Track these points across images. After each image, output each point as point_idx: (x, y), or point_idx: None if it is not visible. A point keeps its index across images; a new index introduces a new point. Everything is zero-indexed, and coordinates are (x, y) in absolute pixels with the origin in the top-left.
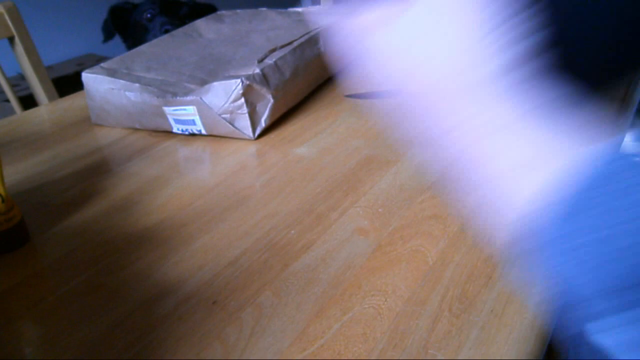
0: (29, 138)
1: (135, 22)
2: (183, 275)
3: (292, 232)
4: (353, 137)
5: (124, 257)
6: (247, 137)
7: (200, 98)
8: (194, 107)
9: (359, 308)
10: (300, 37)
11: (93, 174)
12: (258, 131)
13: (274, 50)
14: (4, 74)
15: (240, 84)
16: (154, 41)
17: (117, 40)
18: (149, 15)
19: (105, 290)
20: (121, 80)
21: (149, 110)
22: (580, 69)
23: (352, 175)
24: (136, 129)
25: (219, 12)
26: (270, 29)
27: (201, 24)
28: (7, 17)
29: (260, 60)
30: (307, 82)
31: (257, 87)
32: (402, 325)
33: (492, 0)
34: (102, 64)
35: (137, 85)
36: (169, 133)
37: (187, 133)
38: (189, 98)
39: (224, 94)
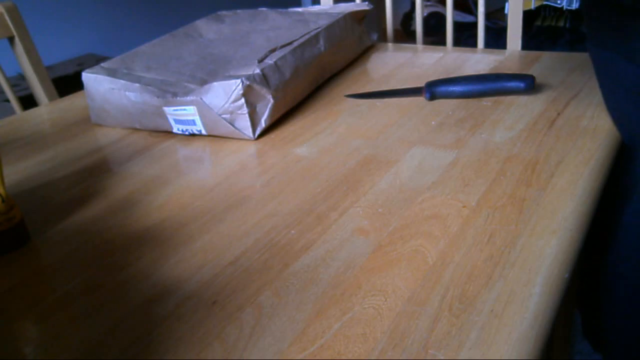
0: (29, 138)
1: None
2: (183, 275)
3: (292, 232)
4: (353, 137)
5: (124, 257)
6: (247, 137)
7: (201, 98)
8: (194, 107)
9: (359, 308)
10: (301, 37)
11: (93, 174)
12: (258, 131)
13: (274, 50)
14: (4, 74)
15: (241, 84)
16: (154, 41)
17: (117, 40)
18: None
19: (105, 290)
20: (121, 80)
21: (149, 110)
22: None
23: (352, 175)
24: (136, 129)
25: (219, 12)
26: (270, 29)
27: (201, 24)
28: (7, 17)
29: (261, 61)
30: (307, 82)
31: (257, 87)
32: (402, 325)
33: None
34: (102, 64)
35: (137, 85)
36: (169, 133)
37: (187, 133)
38: (189, 98)
39: (224, 94)
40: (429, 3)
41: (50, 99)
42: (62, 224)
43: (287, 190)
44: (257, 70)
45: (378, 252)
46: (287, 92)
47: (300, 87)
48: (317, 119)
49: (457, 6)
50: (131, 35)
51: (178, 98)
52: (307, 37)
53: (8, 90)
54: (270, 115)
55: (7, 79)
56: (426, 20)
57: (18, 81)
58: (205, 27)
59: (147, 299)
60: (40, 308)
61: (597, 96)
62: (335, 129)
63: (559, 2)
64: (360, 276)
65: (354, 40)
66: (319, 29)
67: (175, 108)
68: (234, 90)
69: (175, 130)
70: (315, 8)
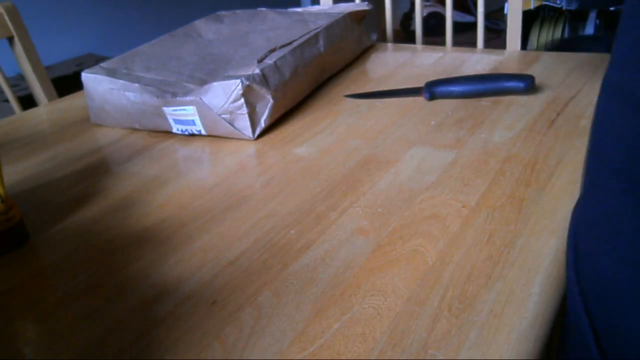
0: (29, 138)
1: None
2: (182, 275)
3: (292, 232)
4: (352, 137)
5: (124, 257)
6: (247, 138)
7: (200, 98)
8: (194, 107)
9: (358, 308)
10: (300, 37)
11: (92, 174)
12: (258, 131)
13: (273, 50)
14: (3, 74)
15: (240, 84)
16: (154, 41)
17: (117, 40)
18: None
19: (105, 290)
20: (121, 80)
21: (149, 111)
22: None
23: (351, 176)
24: (135, 129)
25: (218, 13)
26: (269, 29)
27: (200, 24)
28: (6, 17)
29: (260, 61)
30: (307, 82)
31: (256, 87)
32: (401, 325)
33: None
34: (101, 64)
35: (136, 85)
36: (168, 133)
37: (186, 133)
38: (188, 98)
39: (224, 94)
40: (428, 3)
41: (50, 99)
42: (62, 224)
43: (286, 190)
44: (257, 71)
45: (377, 252)
46: (286, 92)
47: (300, 87)
48: (316, 119)
49: (456, 6)
50: (131, 35)
51: (177, 98)
52: (306, 37)
53: (7, 90)
54: (270, 115)
55: (7, 79)
56: (425, 20)
57: (17, 81)
58: (205, 27)
59: (147, 299)
60: (40, 308)
61: (597, 96)
62: (334, 129)
63: (557, 2)
64: (359, 276)
65: (354, 41)
66: (319, 29)
67: (175, 108)
68: (234, 90)
69: (174, 130)
70: (315, 8)
